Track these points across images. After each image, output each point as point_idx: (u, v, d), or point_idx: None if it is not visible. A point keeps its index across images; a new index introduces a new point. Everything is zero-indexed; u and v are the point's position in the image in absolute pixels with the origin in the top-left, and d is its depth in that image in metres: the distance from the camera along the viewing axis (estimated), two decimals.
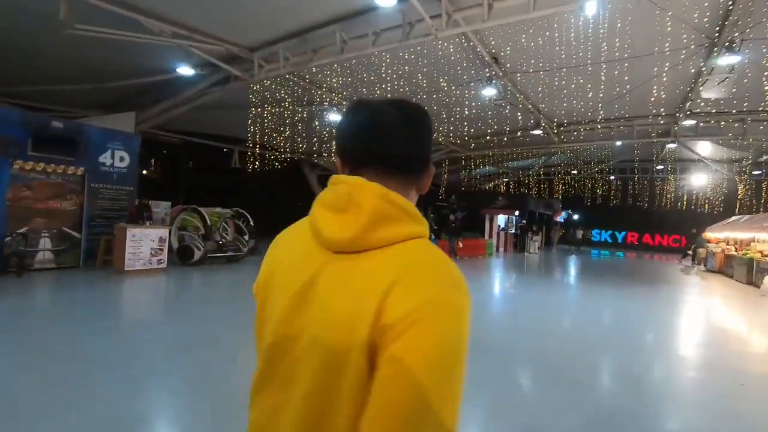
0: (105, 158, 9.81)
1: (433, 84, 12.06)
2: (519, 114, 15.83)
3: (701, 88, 12.45)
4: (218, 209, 11.02)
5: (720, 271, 15.82)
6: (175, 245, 10.23)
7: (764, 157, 21.79)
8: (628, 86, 12.48)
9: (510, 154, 22.14)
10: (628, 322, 7.72)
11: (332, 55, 10.69)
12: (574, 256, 22.80)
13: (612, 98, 13.96)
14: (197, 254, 9.95)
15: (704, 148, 21.66)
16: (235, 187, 21.05)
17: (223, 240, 10.93)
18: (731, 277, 14.25)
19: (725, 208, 28.31)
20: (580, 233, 28.54)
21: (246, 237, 11.23)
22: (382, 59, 10.68)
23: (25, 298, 7.00)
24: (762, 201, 27.61)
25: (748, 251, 13.49)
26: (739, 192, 27.33)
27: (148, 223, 9.26)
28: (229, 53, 11.39)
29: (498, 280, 12.53)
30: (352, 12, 9.47)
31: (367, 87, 12.11)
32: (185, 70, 11.13)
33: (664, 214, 31.07)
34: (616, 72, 11.13)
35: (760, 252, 13.01)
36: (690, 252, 21.53)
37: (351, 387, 0.67)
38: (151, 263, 9.00)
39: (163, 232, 9.16)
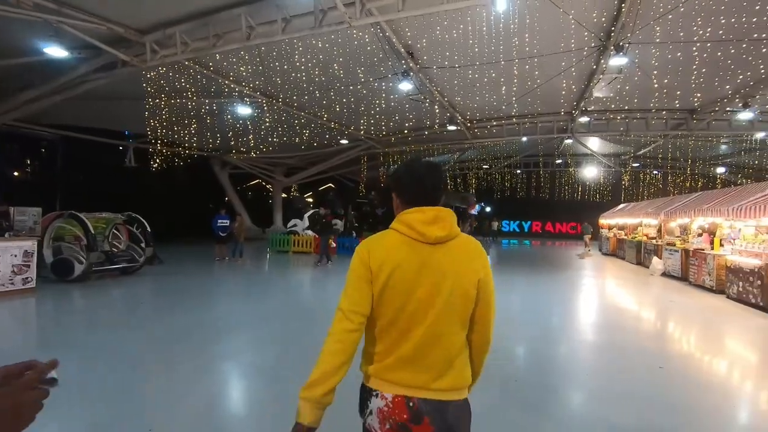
0: None
1: (350, 75, 11.61)
2: (435, 109, 16.02)
3: (593, 87, 13.64)
4: (105, 214, 9.39)
5: (613, 254, 17.57)
6: (50, 259, 8.54)
7: (642, 151, 24.75)
8: (538, 81, 13.11)
9: (427, 150, 22.53)
10: (542, 306, 8.03)
11: (238, 42, 9.74)
12: (489, 247, 23.95)
13: (521, 94, 14.67)
14: (78, 268, 8.39)
15: (594, 143, 23.99)
16: (131, 189, 18.71)
17: (113, 250, 9.43)
18: (623, 258, 15.86)
19: (613, 196, 31.92)
20: (495, 224, 30.19)
21: (143, 245, 9.79)
22: (294, 47, 9.97)
23: None
24: (640, 189, 31.65)
25: (636, 235, 15.06)
26: (624, 182, 30.93)
27: (7, 234, 7.53)
28: (114, 35, 9.87)
29: None
30: None
31: (280, 76, 11.27)
32: (56, 51, 9.39)
33: (562, 204, 34.21)
34: (526, 67, 11.59)
35: (646, 235, 14.59)
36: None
37: (465, 309, 1.47)
38: (13, 283, 7.29)
39: (29, 244, 7.51)
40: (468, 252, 1.50)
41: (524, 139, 20.73)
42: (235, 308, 7.52)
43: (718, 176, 27.97)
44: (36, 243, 7.86)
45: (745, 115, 15.02)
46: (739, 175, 28.06)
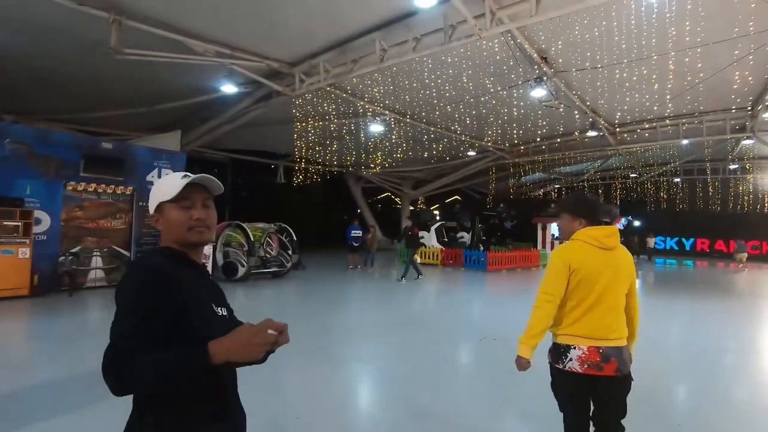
0: (152, 177, 10.02)
1: (479, 86, 11.49)
2: (573, 115, 14.83)
3: None
4: (261, 224, 10.97)
5: None
6: (220, 262, 10.26)
7: None
8: (701, 74, 11.19)
9: (561, 159, 20.87)
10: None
11: (372, 65, 10.42)
12: (643, 267, 20.90)
13: (679, 91, 12.67)
14: (241, 270, 9.91)
15: None
16: (280, 202, 21.35)
17: (267, 255, 10.85)
18: None
19: None
20: (650, 241, 25.48)
21: (290, 252, 11.08)
22: (424, 65, 10.28)
23: (75, 315, 7.14)
24: None
25: None
26: None
27: None
28: (270, 69, 11.43)
29: None
30: (391, 18, 9.14)
31: (409, 94, 11.74)
32: (229, 88, 11.30)
33: (738, 218, 28.02)
34: (686, 59, 9.97)
35: None
36: None
37: (626, 290, 2.33)
38: None
39: (207, 248, 9.19)
40: (626, 256, 2.37)
41: (685, 141, 17.73)
42: (367, 315, 7.96)
43: None
44: (211, 248, 9.49)
45: None
46: None
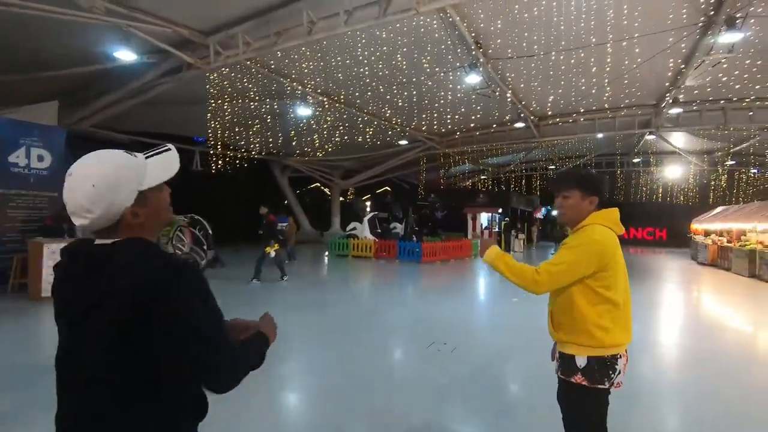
0: (17, 157, 7.92)
1: (414, 66, 10.83)
2: (503, 105, 14.91)
3: (690, 72, 11.85)
4: None
5: (713, 264, 15.29)
6: None
7: (738, 147, 21.72)
8: (626, 66, 11.60)
9: (490, 150, 21.26)
10: (663, 327, 6.69)
11: (299, 37, 9.39)
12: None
13: (602, 84, 13.17)
14: None
15: (679, 139, 21.41)
16: (196, 192, 19.29)
17: (177, 252, 9.39)
18: (728, 269, 13.67)
19: (700, 199, 28.51)
20: (568, 229, 27.69)
21: (204, 248, 9.68)
22: (357, 40, 9.43)
23: None
24: (735, 190, 27.94)
25: (747, 242, 12.92)
26: (713, 183, 27.53)
27: (66, 236, 7.52)
28: (179, 37, 9.90)
29: (506, 285, 11.51)
30: None
31: (342, 72, 10.79)
32: (125, 55, 9.55)
33: (638, 207, 30.98)
34: (624, 45, 10.12)
35: (760, 243, 12.44)
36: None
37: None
38: None
39: None
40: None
41: (600, 135, 18.85)
42: (294, 319, 7.03)
43: None
44: None
45: None
46: None
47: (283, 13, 9.34)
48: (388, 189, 31.67)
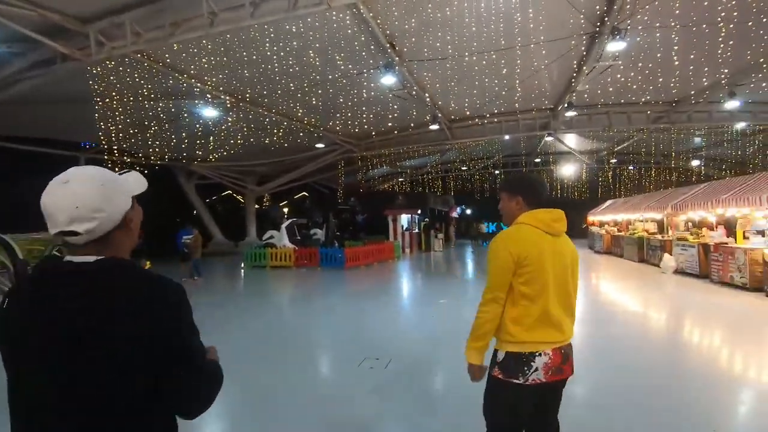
0: None
1: (328, 63, 10.37)
2: (419, 106, 15.09)
3: (582, 78, 12.99)
4: (42, 234, 7.62)
5: (608, 252, 16.94)
6: None
7: (621, 146, 24.59)
8: (517, 71, 12.33)
9: (406, 153, 21.55)
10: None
11: (198, 30, 8.48)
12: (476, 250, 23.16)
13: (511, 86, 13.89)
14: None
15: (571, 140, 23.66)
16: None
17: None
18: (621, 256, 15.22)
19: (590, 194, 31.82)
20: (483, 226, 29.09)
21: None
22: (265, 33, 8.75)
23: None
24: (617, 186, 31.68)
25: (635, 231, 14.45)
26: (600, 179, 30.90)
27: None
28: (50, 24, 8.42)
29: (432, 286, 11.40)
30: None
31: (247, 67, 9.96)
32: None
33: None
34: (530, 48, 10.67)
35: (646, 231, 13.97)
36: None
37: (573, 275, 2.07)
38: None
39: None
40: (570, 243, 2.11)
41: (506, 137, 20.06)
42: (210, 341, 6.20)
43: (693, 169, 28.15)
44: None
45: (732, 104, 14.73)
46: (722, 167, 28.21)
47: (180, 1, 8.38)
48: (306, 194, 30.77)
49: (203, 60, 9.54)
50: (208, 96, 11.66)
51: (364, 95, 12.91)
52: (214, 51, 9.32)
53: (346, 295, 10.13)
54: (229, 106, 12.56)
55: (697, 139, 22.70)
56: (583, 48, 11.26)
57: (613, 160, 28.68)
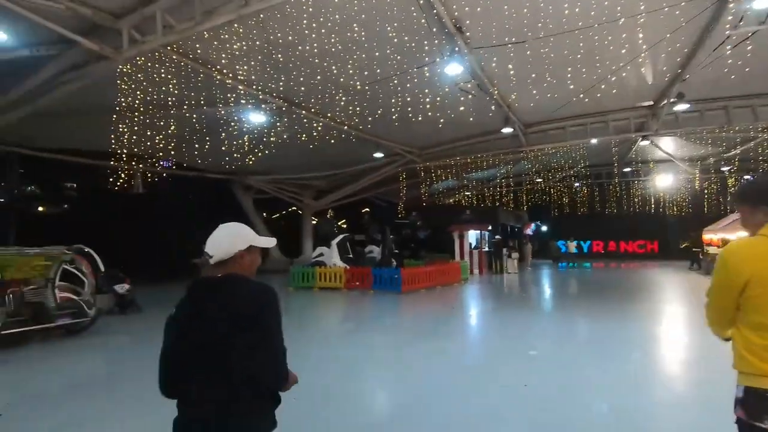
0: None
1: (375, 37, 8.46)
2: (487, 107, 13.01)
3: (710, 54, 10.12)
4: (39, 249, 6.68)
5: None
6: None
7: (732, 152, 20.35)
8: (623, 54, 9.84)
9: (473, 163, 19.32)
10: None
11: (231, 13, 7.27)
12: (569, 272, 19.99)
13: (596, 79, 11.42)
14: None
15: (668, 145, 19.98)
16: (137, 218, 16.44)
17: (74, 297, 6.76)
18: None
19: (695, 209, 27.14)
20: (573, 244, 25.72)
21: (87, 289, 6.79)
22: (302, 9, 7.28)
23: None
24: (727, 199, 26.60)
25: None
26: (706, 191, 26.17)
27: None
28: (81, 19, 7.71)
29: (512, 324, 8.39)
30: None
31: (282, 51, 8.49)
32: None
33: (627, 220, 29.63)
34: (609, 36, 8.33)
35: None
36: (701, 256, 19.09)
37: None
38: None
39: None
40: None
41: (593, 141, 17.11)
42: None
43: None
44: None
45: None
46: None
47: None
48: (368, 210, 29.40)
49: (235, 45, 8.24)
50: (250, 98, 10.44)
51: (427, 93, 11.06)
52: (246, 35, 8.01)
53: (396, 332, 7.86)
54: (272, 107, 11.25)
55: None
56: (708, 11, 8.53)
57: (724, 168, 24.04)
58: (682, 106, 13.37)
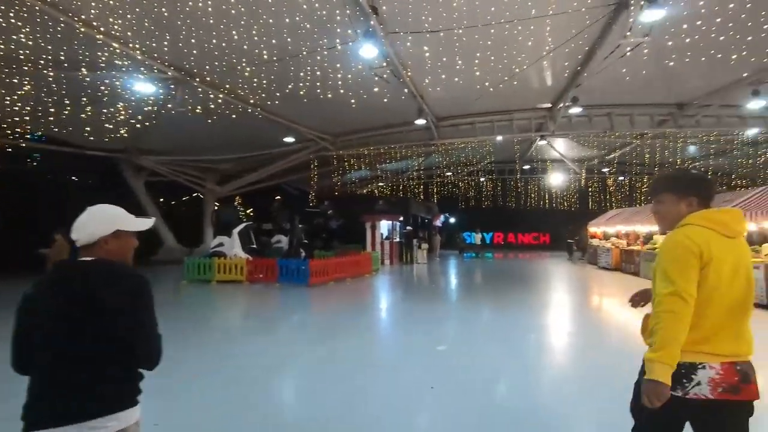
0: None
1: (285, 0, 7.76)
2: (401, 97, 12.83)
3: (601, 61, 10.96)
4: None
5: (617, 268, 14.89)
6: None
7: (612, 155, 22.95)
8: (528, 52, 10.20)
9: (387, 153, 19.24)
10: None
11: None
12: (473, 263, 20.88)
13: (501, 79, 11.79)
14: None
15: (560, 146, 21.86)
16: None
17: None
18: (635, 274, 13.19)
19: (580, 205, 30.23)
20: (478, 236, 27.12)
21: None
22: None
23: None
24: (607, 197, 30.17)
25: (655, 244, 12.47)
26: (590, 189, 29.32)
27: None
28: None
29: (422, 319, 7.94)
30: None
31: (168, 5, 7.24)
32: None
33: (524, 214, 32.23)
34: (518, 26, 8.52)
35: None
36: (576, 248, 21.39)
37: (750, 283, 1.75)
38: None
39: None
40: (747, 246, 1.84)
41: (499, 138, 17.98)
42: None
43: None
44: None
45: (756, 104, 13.00)
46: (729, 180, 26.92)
47: None
48: (279, 198, 27.95)
49: (115, 8, 6.92)
50: (123, 55, 8.85)
51: (338, 69, 10.47)
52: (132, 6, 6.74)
53: (302, 330, 7.32)
54: (155, 71, 9.74)
55: (692, 148, 21.30)
56: (604, 20, 9.15)
57: (605, 170, 27.13)
58: (575, 110, 14.52)
